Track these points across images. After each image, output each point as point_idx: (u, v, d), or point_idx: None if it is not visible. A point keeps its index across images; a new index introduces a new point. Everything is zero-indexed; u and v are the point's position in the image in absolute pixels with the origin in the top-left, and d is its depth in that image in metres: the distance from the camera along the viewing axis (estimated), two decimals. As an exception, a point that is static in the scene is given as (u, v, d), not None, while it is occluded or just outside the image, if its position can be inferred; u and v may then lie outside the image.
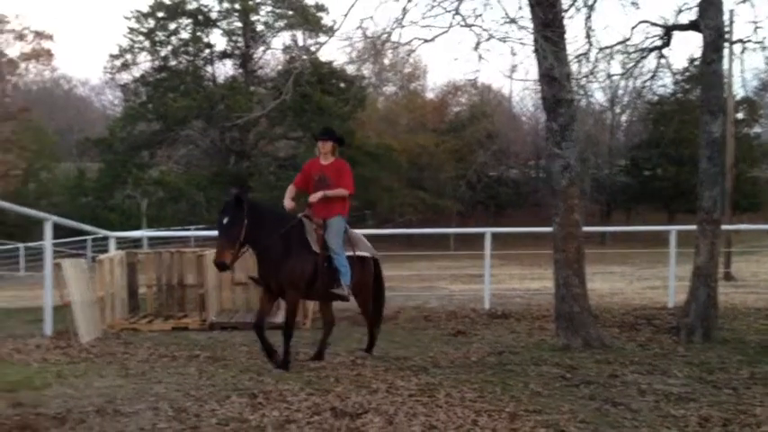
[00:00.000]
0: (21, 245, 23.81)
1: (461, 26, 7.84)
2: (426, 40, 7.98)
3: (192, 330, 9.39)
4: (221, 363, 7.13)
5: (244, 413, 5.13)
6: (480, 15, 8.56)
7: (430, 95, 46.45)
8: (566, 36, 8.12)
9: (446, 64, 34.43)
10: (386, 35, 7.89)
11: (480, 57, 8.12)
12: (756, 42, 9.88)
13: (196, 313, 9.90)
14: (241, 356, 7.50)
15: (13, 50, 35.72)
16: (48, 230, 9.21)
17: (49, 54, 37.61)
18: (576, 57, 9.11)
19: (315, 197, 7.16)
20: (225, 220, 6.53)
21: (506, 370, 6.71)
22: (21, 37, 35.21)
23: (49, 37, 36.55)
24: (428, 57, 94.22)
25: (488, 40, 7.92)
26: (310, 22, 32.29)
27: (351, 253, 7.26)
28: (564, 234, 8.09)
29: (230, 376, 6.45)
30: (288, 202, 7.26)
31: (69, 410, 5.12)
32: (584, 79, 9.75)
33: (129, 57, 33.98)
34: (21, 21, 44.00)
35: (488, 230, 11.65)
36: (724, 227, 10.25)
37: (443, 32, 7.93)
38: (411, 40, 8.18)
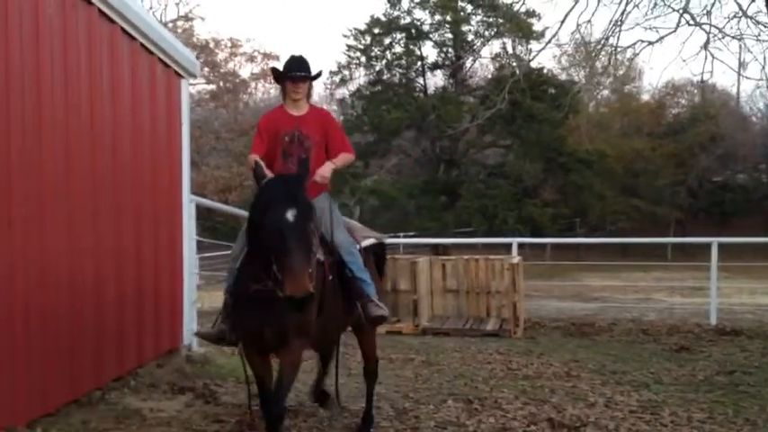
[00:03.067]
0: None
1: (690, 25, 7.44)
2: (651, 43, 7.65)
3: (405, 335, 9.68)
4: (436, 367, 7.29)
5: (460, 418, 5.23)
6: (710, 12, 8.05)
7: (646, 97, 44.15)
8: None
9: (665, 64, 32.65)
10: (604, 39, 7.66)
11: (709, 55, 7.65)
12: None
13: (409, 318, 10.21)
14: (454, 362, 7.62)
15: (245, 71, 39.10)
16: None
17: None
18: None
19: (325, 172, 4.65)
20: (293, 217, 3.81)
21: (739, 391, 6.22)
22: (251, 59, 38.43)
23: (276, 57, 39.55)
24: (644, 57, 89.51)
25: (722, 38, 7.44)
26: (522, 29, 32.06)
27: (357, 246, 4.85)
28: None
29: (445, 381, 6.59)
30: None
31: (301, 404, 5.53)
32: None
33: (346, 72, 35.93)
34: (251, 44, 48.05)
35: (715, 240, 10.84)
36: None
37: (670, 33, 7.57)
38: (635, 43, 7.88)
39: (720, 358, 7.90)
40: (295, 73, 4.71)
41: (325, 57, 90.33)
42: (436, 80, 36.74)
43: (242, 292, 4.18)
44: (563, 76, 34.56)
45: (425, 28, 34.87)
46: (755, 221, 36.82)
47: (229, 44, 36.69)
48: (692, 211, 38.78)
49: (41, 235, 4.54)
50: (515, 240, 12.05)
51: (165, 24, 29.31)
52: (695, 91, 40.41)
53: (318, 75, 4.90)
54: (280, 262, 3.73)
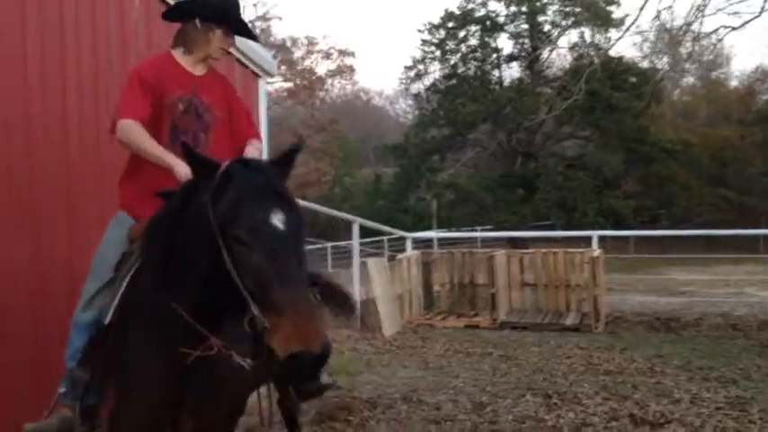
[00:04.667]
0: (329, 244, 26.31)
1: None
2: (734, 28, 7.37)
3: (483, 329, 9.65)
4: (514, 361, 7.24)
5: (539, 412, 5.18)
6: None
7: (734, 84, 42.39)
8: None
9: (755, 49, 31.12)
10: (686, 26, 7.42)
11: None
12: None
13: (487, 312, 10.16)
14: (532, 356, 7.54)
15: (321, 68, 39.59)
16: (355, 231, 10.18)
17: (351, 70, 41.05)
18: None
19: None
20: (288, 226, 2.38)
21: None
22: (327, 56, 38.88)
23: (352, 54, 39.86)
24: (733, 42, 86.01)
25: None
26: (600, 17, 31.30)
27: None
28: None
29: (524, 375, 6.54)
30: (179, 168, 2.90)
31: (379, 396, 5.60)
32: None
33: (421, 67, 35.86)
34: (327, 41, 48.62)
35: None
36: None
37: (754, 17, 7.28)
38: (717, 29, 7.61)
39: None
40: (237, 17, 3.34)
41: (400, 52, 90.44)
42: (512, 72, 36.26)
43: (136, 356, 2.71)
44: (644, 64, 33.54)
45: (500, 20, 34.43)
46: None
47: (306, 42, 37.28)
48: (784, 200, 37.04)
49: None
50: (596, 233, 11.85)
51: (244, 25, 30.09)
52: (787, 75, 38.52)
53: (253, 36, 3.73)
54: (272, 297, 2.24)
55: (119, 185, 3.33)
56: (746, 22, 7.34)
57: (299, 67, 37.31)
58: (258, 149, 3.38)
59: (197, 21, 3.27)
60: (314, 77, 38.34)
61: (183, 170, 2.82)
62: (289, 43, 36.64)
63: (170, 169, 2.95)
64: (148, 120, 3.12)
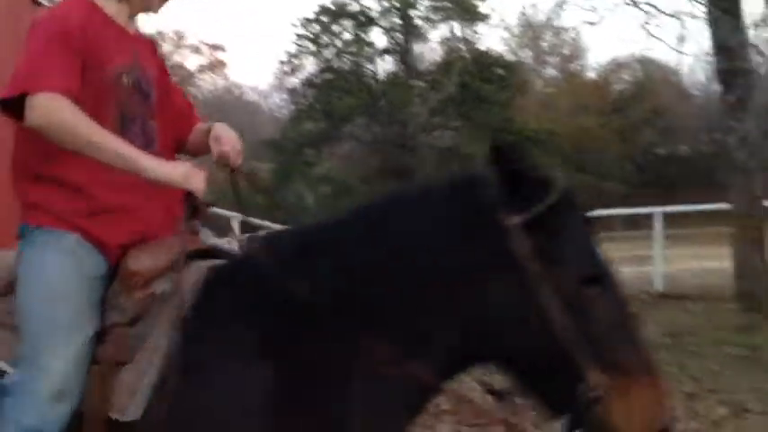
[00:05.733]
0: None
1: (627, 5, 7.86)
2: (592, 23, 8.04)
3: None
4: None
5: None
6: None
7: (591, 75, 45.06)
8: (741, 2, 7.88)
9: (608, 42, 33.42)
10: (548, 20, 8.01)
11: (648, 33, 8.08)
12: None
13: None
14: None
15: (191, 63, 38.79)
16: (236, 228, 10.23)
17: (222, 64, 40.49)
18: (754, 23, 8.77)
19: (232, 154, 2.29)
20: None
21: (684, 350, 6.65)
22: (196, 50, 38.20)
23: (222, 48, 39.32)
24: (588, 35, 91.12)
25: (660, 16, 7.88)
26: (468, 12, 32.46)
27: None
28: (742, 210, 7.85)
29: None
30: (193, 180, 2.06)
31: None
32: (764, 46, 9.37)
33: (296, 61, 35.89)
34: (196, 35, 47.59)
35: (658, 210, 11.42)
36: None
37: (610, 13, 7.96)
38: (576, 25, 8.24)
39: (666, 321, 8.35)
40: None
41: (274, 47, 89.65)
42: (386, 66, 36.98)
43: None
44: (511, 57, 35.09)
45: (374, 14, 35.01)
46: (700, 191, 38.02)
47: (174, 37, 36.42)
48: (638, 184, 39.89)
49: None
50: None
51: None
52: (638, 67, 41.39)
53: None
54: (621, 356, 1.76)
55: (26, 185, 2.13)
56: (603, 18, 8.03)
57: (167, 63, 36.39)
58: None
59: None
60: (183, 73, 37.52)
61: (198, 182, 2.07)
62: (156, 37, 35.65)
63: (160, 181, 2.02)
64: (81, 100, 2.00)
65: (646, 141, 36.69)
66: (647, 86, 40.40)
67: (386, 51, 36.26)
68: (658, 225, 11.07)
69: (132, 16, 2.31)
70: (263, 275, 1.95)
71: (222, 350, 1.90)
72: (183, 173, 2.05)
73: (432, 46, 37.13)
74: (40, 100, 1.94)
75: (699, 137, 43.92)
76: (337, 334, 1.82)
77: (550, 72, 44.62)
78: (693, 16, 8.16)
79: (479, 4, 32.66)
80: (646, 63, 39.70)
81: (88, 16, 2.13)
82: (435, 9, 34.44)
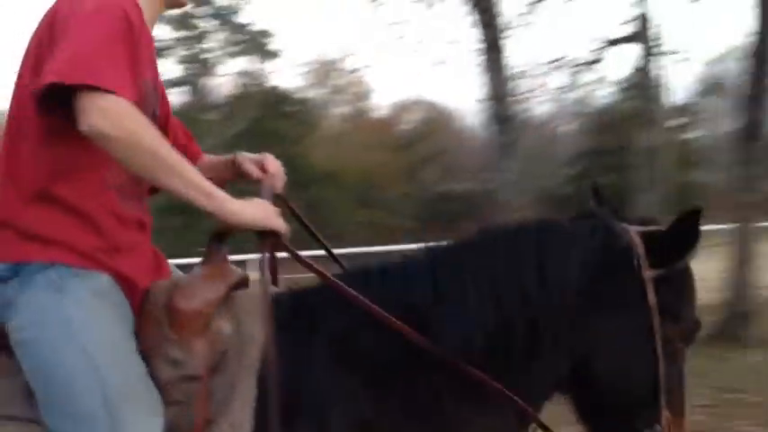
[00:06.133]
0: None
1: (410, 53, 8.67)
2: (377, 66, 8.78)
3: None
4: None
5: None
6: (423, 42, 9.50)
7: (379, 114, 47.24)
8: (507, 55, 8.98)
9: (393, 84, 35.44)
10: (338, 61, 8.67)
11: (431, 77, 8.96)
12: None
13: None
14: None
15: None
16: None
17: None
18: (519, 73, 9.94)
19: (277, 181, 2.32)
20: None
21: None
22: None
23: None
24: (375, 77, 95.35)
25: (436, 64, 8.79)
26: (260, 48, 32.84)
27: None
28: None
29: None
30: (272, 219, 1.89)
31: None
32: (528, 94, 10.69)
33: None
34: None
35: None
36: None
37: (394, 57, 8.77)
38: (362, 67, 8.97)
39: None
40: None
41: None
42: (181, 97, 36.33)
43: None
44: (305, 94, 35.93)
45: (169, 43, 34.38)
46: (475, 224, 40.91)
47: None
48: (420, 219, 42.28)
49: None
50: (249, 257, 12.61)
51: None
52: (420, 109, 44.06)
53: None
54: (679, 395, 2.03)
55: (19, 206, 1.65)
56: (387, 62, 8.89)
57: None
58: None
59: None
60: None
61: (280, 221, 1.83)
62: None
63: (243, 225, 1.76)
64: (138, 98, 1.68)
65: (427, 179, 39.02)
66: (429, 127, 43.08)
67: (181, 82, 35.63)
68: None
69: (160, 13, 2.02)
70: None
71: (329, 396, 1.78)
72: (264, 212, 1.82)
73: (226, 79, 37.12)
74: (110, 102, 1.51)
75: (475, 176, 47.44)
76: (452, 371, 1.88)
77: (342, 110, 46.24)
78: (467, 64, 9.24)
79: (267, 41, 33.30)
80: (428, 106, 42.51)
81: (138, 14, 1.73)
82: (229, 42, 34.56)
